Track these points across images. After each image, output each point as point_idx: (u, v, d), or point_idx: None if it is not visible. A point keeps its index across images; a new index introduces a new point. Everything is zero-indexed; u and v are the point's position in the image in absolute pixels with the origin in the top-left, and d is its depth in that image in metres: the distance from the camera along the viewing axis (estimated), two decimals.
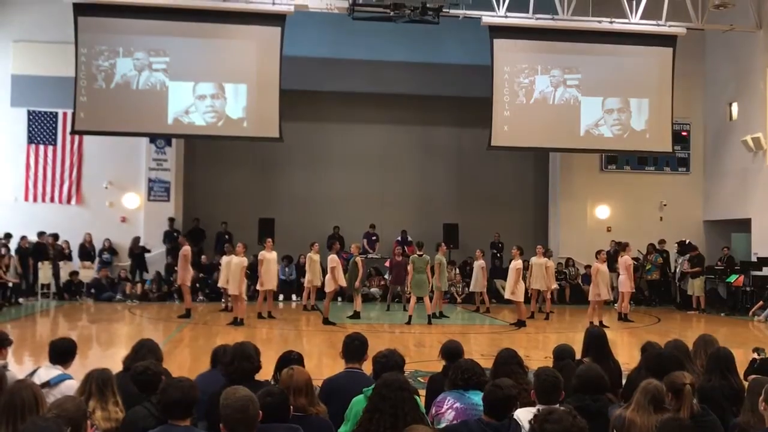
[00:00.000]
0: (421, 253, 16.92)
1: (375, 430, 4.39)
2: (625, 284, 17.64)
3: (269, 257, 17.11)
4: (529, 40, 20.51)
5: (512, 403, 4.69)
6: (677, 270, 21.61)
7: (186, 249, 17.01)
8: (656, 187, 23.79)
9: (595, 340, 6.89)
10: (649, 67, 21.16)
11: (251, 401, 4.07)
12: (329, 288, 16.35)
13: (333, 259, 16.46)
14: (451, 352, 6.31)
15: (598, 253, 17.25)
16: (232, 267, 16.22)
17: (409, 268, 16.93)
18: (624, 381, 6.60)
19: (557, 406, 4.62)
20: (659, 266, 22.09)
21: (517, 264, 16.48)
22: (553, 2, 20.02)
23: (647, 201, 23.65)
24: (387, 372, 5.19)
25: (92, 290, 20.74)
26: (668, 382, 4.95)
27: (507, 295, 16.90)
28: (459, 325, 16.65)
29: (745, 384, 6.00)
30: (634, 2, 20.11)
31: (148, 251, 21.62)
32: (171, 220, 21.92)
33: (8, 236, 19.86)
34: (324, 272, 17.31)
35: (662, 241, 22.21)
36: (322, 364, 10.70)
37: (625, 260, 17.80)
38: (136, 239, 21.54)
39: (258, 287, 17.21)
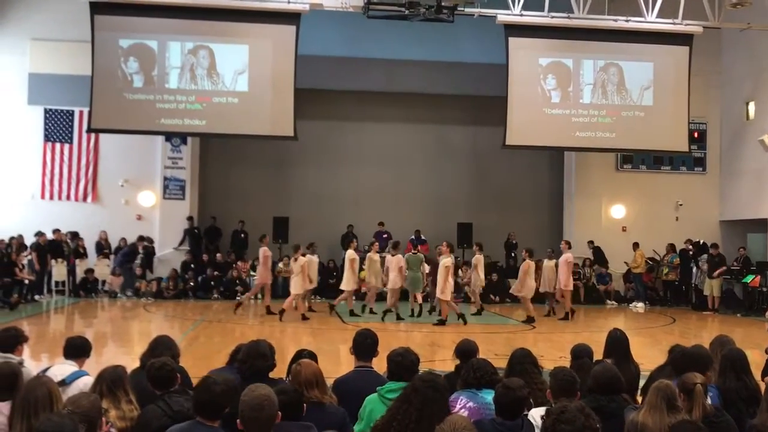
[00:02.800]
0: (416, 251, 17.72)
1: (401, 419, 4.39)
2: (562, 281, 17.66)
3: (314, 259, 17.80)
4: (545, 38, 20.45)
5: (523, 404, 4.67)
6: (696, 271, 21.41)
7: (266, 249, 17.45)
8: (672, 186, 23.64)
9: (617, 343, 6.86)
10: (665, 66, 21.04)
11: (268, 401, 4.04)
12: (396, 286, 16.87)
13: (399, 259, 16.97)
14: (465, 351, 6.29)
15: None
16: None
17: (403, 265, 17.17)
18: (645, 380, 6.55)
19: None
20: (675, 267, 21.97)
21: (446, 262, 16.22)
22: (568, 0, 19.93)
23: (663, 201, 23.50)
24: (402, 370, 5.22)
25: (107, 287, 20.88)
26: (680, 382, 4.94)
27: (438, 294, 16.47)
28: (473, 325, 16.60)
29: (762, 385, 5.96)
30: (650, 0, 20.00)
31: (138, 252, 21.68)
32: (190, 219, 22.01)
33: (39, 234, 19.96)
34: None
35: (688, 241, 21.97)
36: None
37: (566, 257, 17.71)
38: (141, 238, 21.57)
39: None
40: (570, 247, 18.22)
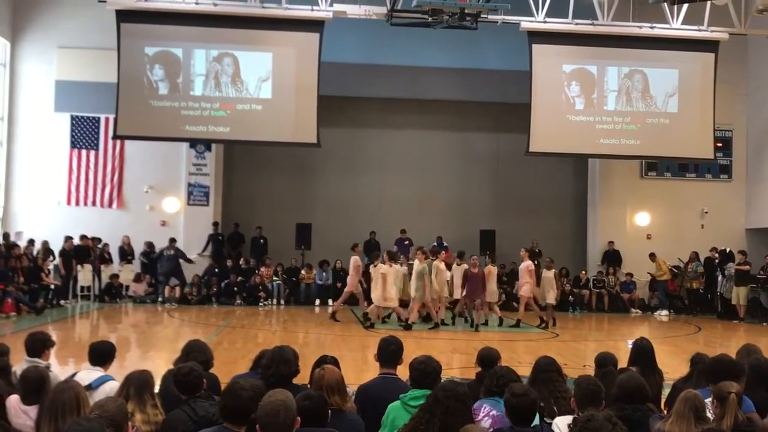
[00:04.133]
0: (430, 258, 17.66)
1: (424, 429, 4.39)
2: (525, 289, 17.40)
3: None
4: (569, 45, 20.39)
5: (535, 407, 4.65)
6: (721, 279, 21.17)
7: (357, 259, 17.56)
8: (697, 194, 23.45)
9: (643, 352, 6.80)
10: (690, 73, 20.90)
11: (285, 407, 3.99)
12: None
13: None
14: (487, 359, 6.26)
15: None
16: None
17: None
18: (667, 390, 6.50)
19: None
20: (699, 275, 21.72)
21: (382, 268, 16.37)
22: (593, 7, 19.87)
23: (688, 208, 23.31)
24: (424, 377, 5.21)
25: (131, 293, 21.04)
26: (715, 389, 4.89)
27: (379, 301, 16.60)
28: (496, 332, 16.54)
29: None
30: (676, 7, 19.87)
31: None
32: (215, 224, 22.13)
33: (67, 239, 20.12)
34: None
35: (714, 249, 21.64)
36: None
37: (526, 265, 17.59)
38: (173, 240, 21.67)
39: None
40: (530, 256, 18.16)
